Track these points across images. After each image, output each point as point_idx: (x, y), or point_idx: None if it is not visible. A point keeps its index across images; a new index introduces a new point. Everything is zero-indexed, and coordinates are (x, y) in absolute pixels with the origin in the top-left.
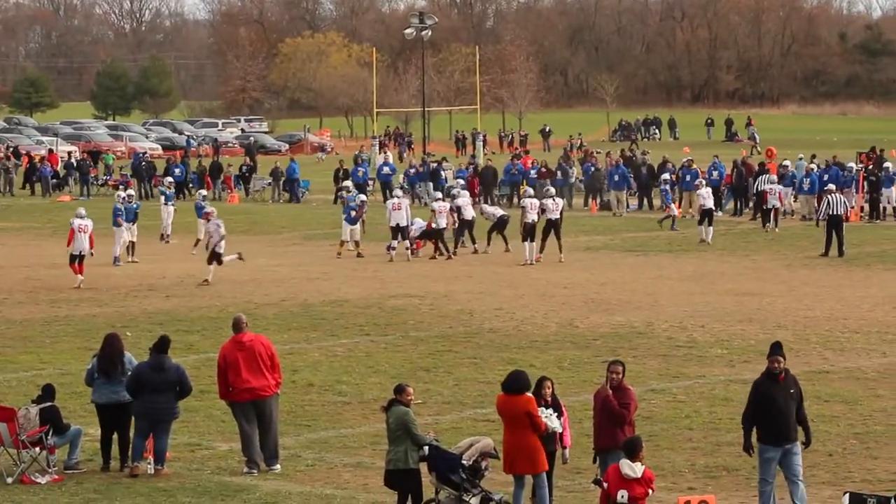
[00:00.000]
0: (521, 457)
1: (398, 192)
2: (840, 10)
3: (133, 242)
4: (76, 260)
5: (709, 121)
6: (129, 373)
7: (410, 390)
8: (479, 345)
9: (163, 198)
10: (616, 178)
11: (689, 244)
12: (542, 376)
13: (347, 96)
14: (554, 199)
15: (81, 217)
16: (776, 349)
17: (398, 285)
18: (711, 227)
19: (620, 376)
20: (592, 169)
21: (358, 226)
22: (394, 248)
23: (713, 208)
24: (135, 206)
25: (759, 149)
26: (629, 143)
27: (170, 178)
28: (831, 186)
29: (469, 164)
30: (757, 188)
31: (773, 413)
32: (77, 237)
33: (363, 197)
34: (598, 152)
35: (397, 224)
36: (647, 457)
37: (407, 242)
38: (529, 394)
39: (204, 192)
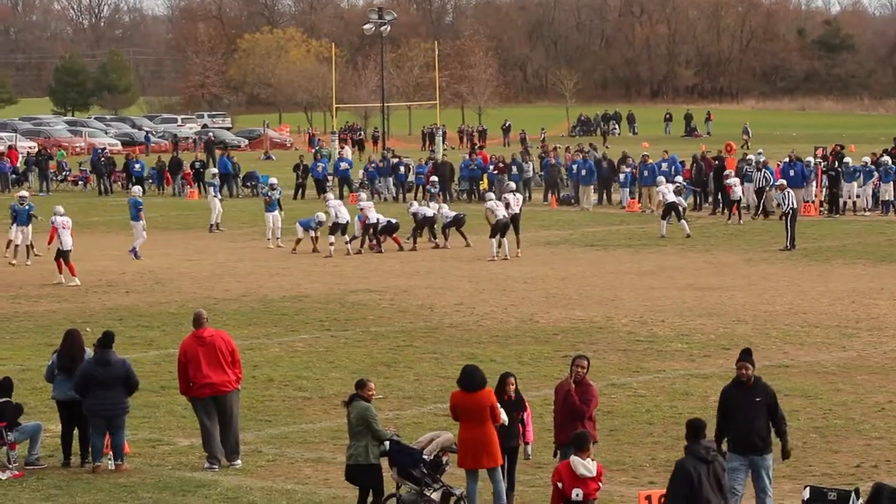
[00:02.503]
0: (484, 451)
1: (330, 195)
2: (798, 6)
3: (29, 245)
4: (64, 257)
5: (667, 115)
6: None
7: (371, 385)
8: (439, 340)
9: (212, 189)
10: (584, 172)
11: (649, 239)
12: (505, 372)
13: (306, 92)
14: (514, 194)
15: (61, 214)
16: (745, 356)
17: (358, 280)
18: (684, 220)
19: (585, 371)
20: (550, 164)
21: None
22: (332, 244)
23: (675, 202)
24: (27, 208)
25: (750, 144)
26: (601, 140)
27: (214, 170)
28: (783, 182)
29: (429, 160)
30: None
31: (739, 421)
32: (61, 233)
33: (321, 217)
34: (557, 147)
35: (343, 221)
36: (608, 451)
37: (346, 237)
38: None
39: (25, 193)
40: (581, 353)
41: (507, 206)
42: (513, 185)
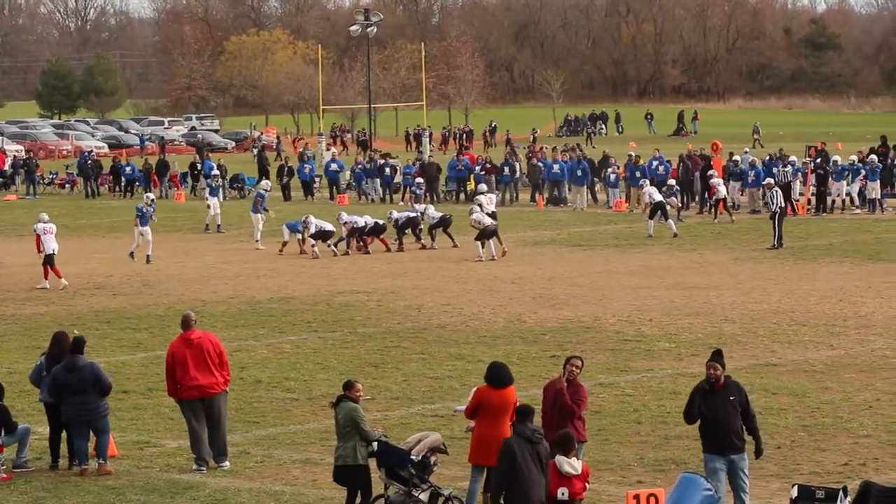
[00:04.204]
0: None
1: (311, 217)
2: (784, 5)
3: None
4: (49, 261)
5: (648, 115)
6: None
7: (359, 386)
8: (427, 340)
9: (207, 190)
10: (578, 172)
11: (637, 238)
12: None
13: (293, 93)
14: (486, 195)
15: (45, 221)
16: (715, 356)
17: (346, 281)
18: (671, 220)
19: (579, 371)
20: (533, 164)
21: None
22: (314, 245)
23: (664, 201)
24: None
25: (762, 143)
26: (585, 139)
27: (216, 171)
28: (770, 181)
29: (416, 160)
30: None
31: (714, 421)
32: (44, 239)
33: (311, 217)
34: (544, 148)
35: (328, 229)
36: (596, 451)
37: (332, 240)
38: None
39: (151, 195)
40: (575, 353)
41: (481, 206)
42: (484, 186)
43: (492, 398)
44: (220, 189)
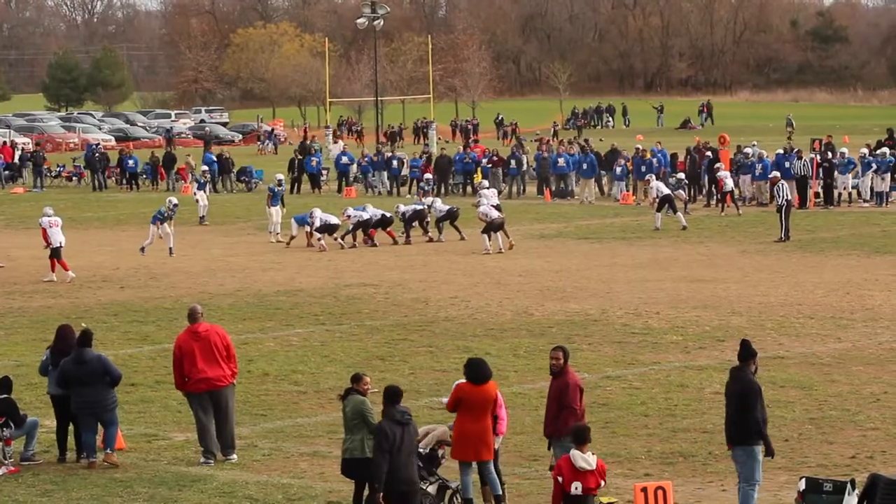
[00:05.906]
0: (483, 443)
1: (317, 210)
2: None
3: None
4: (56, 254)
5: (659, 107)
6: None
7: (367, 379)
8: (434, 333)
9: (195, 185)
10: (584, 165)
11: (644, 231)
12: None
13: (300, 86)
14: (489, 189)
15: (49, 215)
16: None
17: (353, 274)
18: (680, 213)
19: (560, 362)
20: (542, 157)
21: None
22: (321, 239)
23: (671, 194)
24: None
25: (793, 135)
26: (576, 132)
27: (205, 167)
28: (776, 174)
29: (423, 154)
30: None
31: (762, 410)
32: (51, 232)
33: (316, 210)
34: (551, 140)
35: (334, 222)
36: (604, 444)
37: (338, 234)
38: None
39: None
40: (558, 345)
41: (487, 199)
42: (485, 182)
43: (471, 395)
44: (207, 184)
